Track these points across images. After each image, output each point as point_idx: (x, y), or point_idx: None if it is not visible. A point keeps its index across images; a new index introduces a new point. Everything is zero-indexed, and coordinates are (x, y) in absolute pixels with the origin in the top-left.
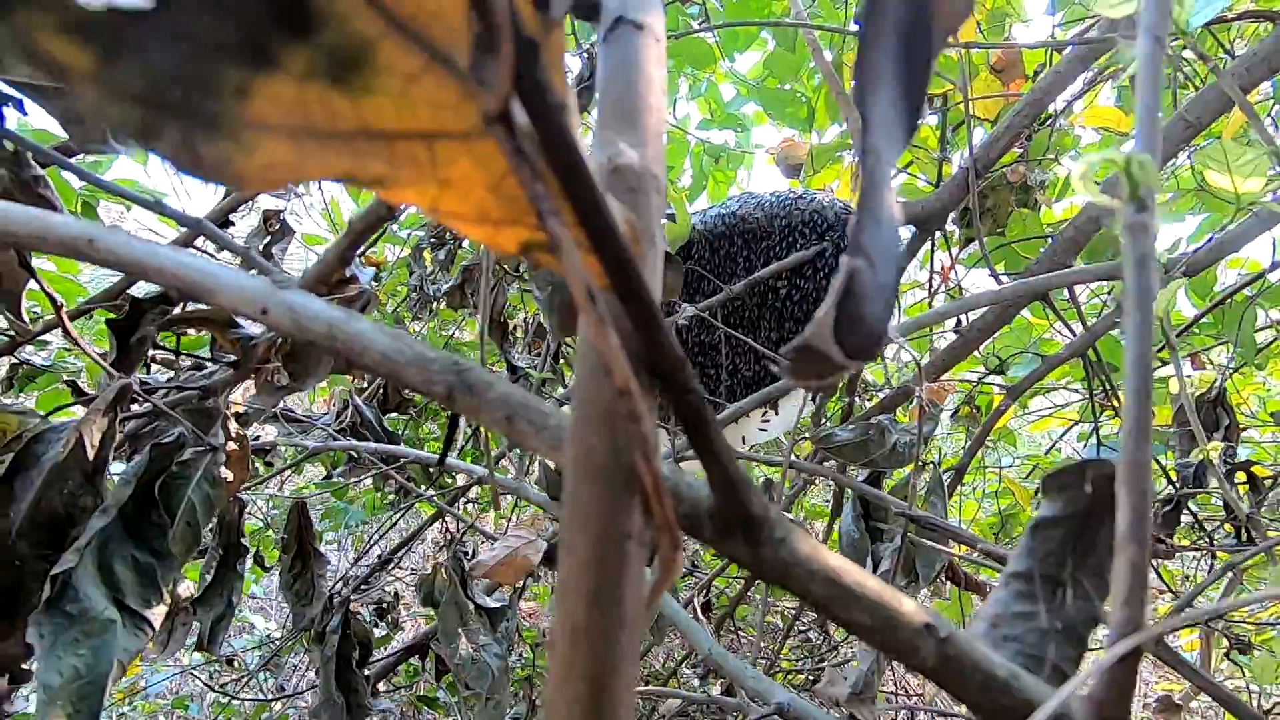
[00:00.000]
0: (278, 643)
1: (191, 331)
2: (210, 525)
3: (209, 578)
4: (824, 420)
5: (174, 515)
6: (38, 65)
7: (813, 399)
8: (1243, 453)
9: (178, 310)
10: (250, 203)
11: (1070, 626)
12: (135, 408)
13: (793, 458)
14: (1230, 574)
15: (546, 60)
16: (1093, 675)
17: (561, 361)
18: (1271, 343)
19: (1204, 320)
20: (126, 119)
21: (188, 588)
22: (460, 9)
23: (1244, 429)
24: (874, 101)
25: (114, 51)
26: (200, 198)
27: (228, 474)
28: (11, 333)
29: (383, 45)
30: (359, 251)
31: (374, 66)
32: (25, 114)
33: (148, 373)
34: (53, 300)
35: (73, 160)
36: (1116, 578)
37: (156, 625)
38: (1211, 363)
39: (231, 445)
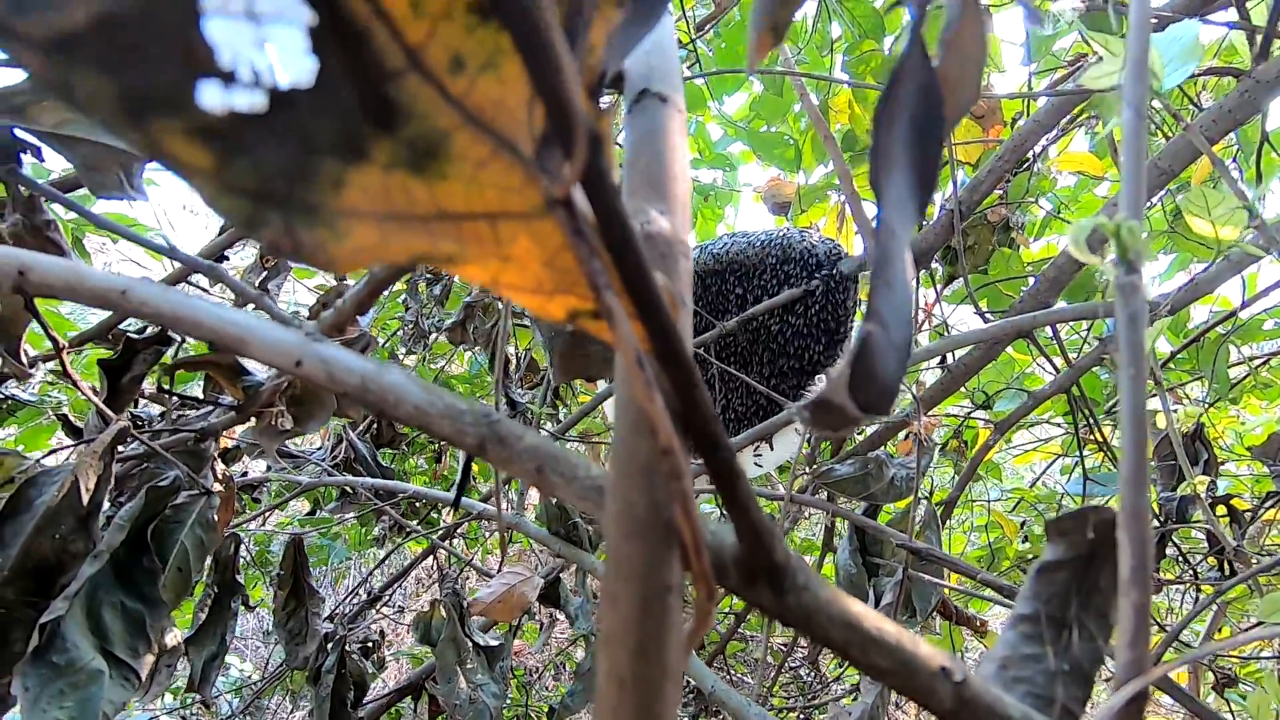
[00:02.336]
0: (257, 685)
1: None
2: (204, 566)
3: (203, 616)
4: (816, 456)
5: (166, 560)
6: (167, 165)
7: (807, 440)
8: (1222, 486)
9: (173, 352)
10: (244, 239)
11: (1077, 667)
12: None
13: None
14: (1215, 607)
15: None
16: (1104, 717)
17: (558, 399)
18: (1245, 378)
19: (1179, 356)
20: (236, 210)
21: (175, 636)
22: (521, 100)
23: (1222, 463)
24: (887, 181)
25: (231, 151)
26: (187, 233)
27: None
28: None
29: (457, 136)
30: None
31: (449, 155)
32: (42, 160)
33: (135, 408)
34: (54, 342)
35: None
36: (1122, 621)
37: (144, 675)
38: (1188, 398)
39: (217, 485)
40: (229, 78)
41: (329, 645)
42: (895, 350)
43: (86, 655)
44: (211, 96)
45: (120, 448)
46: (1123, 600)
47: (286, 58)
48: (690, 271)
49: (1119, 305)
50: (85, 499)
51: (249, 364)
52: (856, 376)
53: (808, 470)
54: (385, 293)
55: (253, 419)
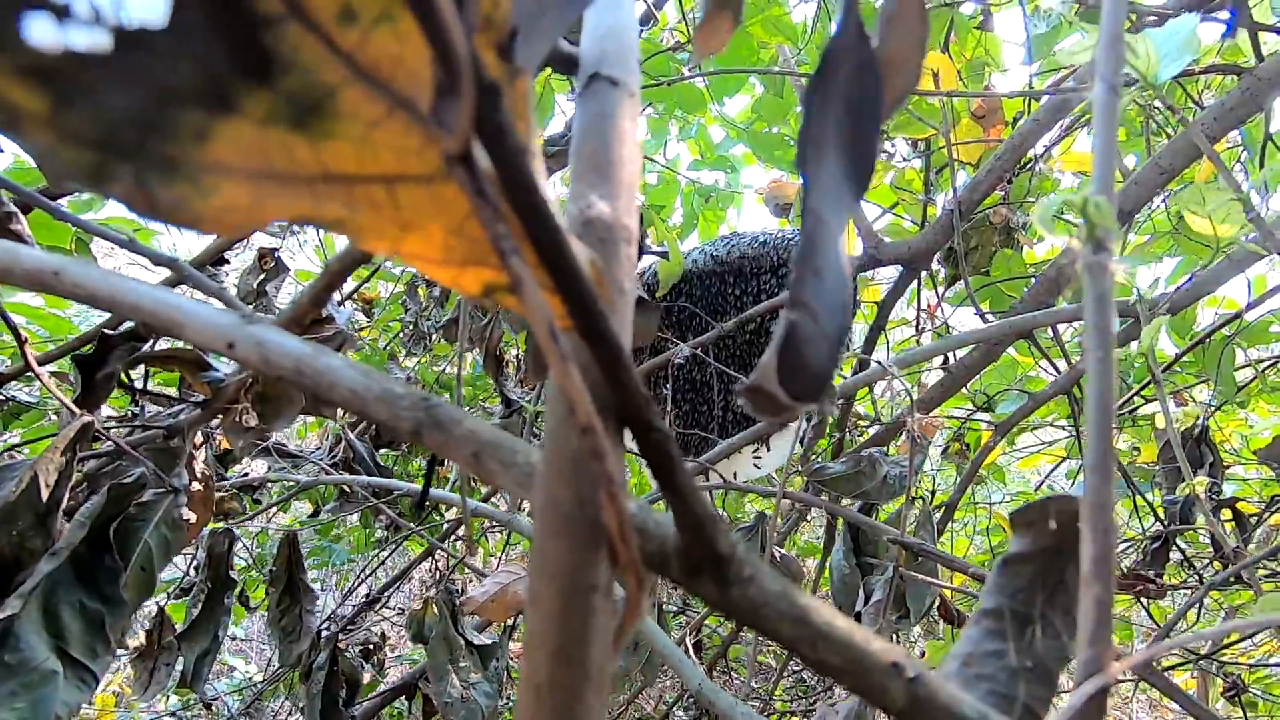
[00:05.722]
0: (259, 686)
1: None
2: (197, 561)
3: (195, 612)
4: (814, 456)
5: (129, 559)
6: None
7: (800, 440)
8: (1228, 489)
9: (146, 348)
10: (245, 240)
11: (1040, 665)
12: (98, 446)
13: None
14: (1223, 613)
15: (509, 105)
16: (1061, 717)
17: None
18: (1252, 380)
19: (1185, 359)
20: (78, 162)
21: (139, 638)
22: (423, 57)
23: (1228, 466)
24: (817, 168)
25: (69, 95)
26: (194, 236)
27: (190, 515)
28: None
29: (345, 92)
30: (349, 293)
31: (335, 112)
32: (1, 150)
33: (137, 407)
34: (16, 335)
35: (63, 199)
36: (1082, 617)
37: (101, 677)
38: (1194, 400)
39: (196, 485)
40: (63, 12)
41: (321, 642)
42: (826, 340)
43: (40, 655)
44: (43, 32)
45: (95, 445)
46: (1084, 595)
47: None
48: (633, 258)
49: (1086, 285)
50: (45, 495)
51: (214, 359)
52: (785, 366)
53: (801, 469)
54: (386, 294)
55: (219, 415)
